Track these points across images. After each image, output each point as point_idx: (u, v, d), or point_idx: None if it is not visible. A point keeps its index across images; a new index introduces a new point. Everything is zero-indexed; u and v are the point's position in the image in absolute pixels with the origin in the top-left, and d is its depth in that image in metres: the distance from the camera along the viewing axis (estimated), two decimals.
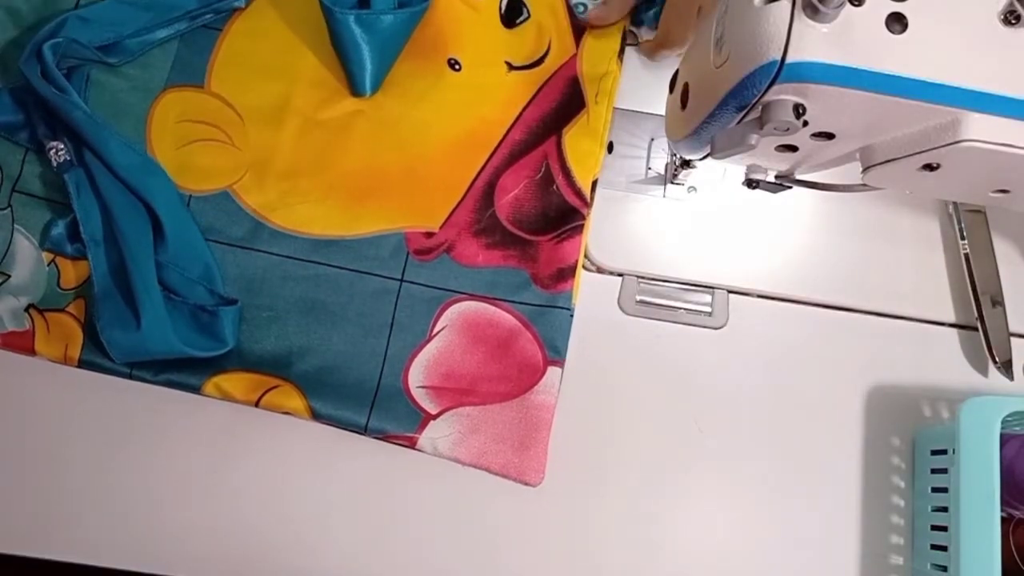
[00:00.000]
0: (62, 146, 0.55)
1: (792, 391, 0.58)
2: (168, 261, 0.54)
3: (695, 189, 0.61)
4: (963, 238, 0.60)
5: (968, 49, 0.37)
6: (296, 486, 0.55)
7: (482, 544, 0.55)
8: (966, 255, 0.60)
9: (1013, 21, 0.37)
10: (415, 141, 0.59)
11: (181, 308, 0.54)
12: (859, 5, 0.36)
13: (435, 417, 0.54)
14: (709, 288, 0.60)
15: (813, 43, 0.36)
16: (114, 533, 0.53)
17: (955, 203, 0.61)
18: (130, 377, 0.54)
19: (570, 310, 0.57)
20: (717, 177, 0.61)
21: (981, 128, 0.37)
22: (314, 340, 0.55)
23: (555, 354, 0.56)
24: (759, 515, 0.56)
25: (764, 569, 0.55)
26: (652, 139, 0.62)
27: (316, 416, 0.54)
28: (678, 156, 0.58)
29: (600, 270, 0.60)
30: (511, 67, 0.61)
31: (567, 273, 0.57)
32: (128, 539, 0.53)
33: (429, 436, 0.54)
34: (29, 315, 0.54)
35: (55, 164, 0.55)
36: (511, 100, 0.61)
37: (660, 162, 0.61)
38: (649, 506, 0.56)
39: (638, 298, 0.59)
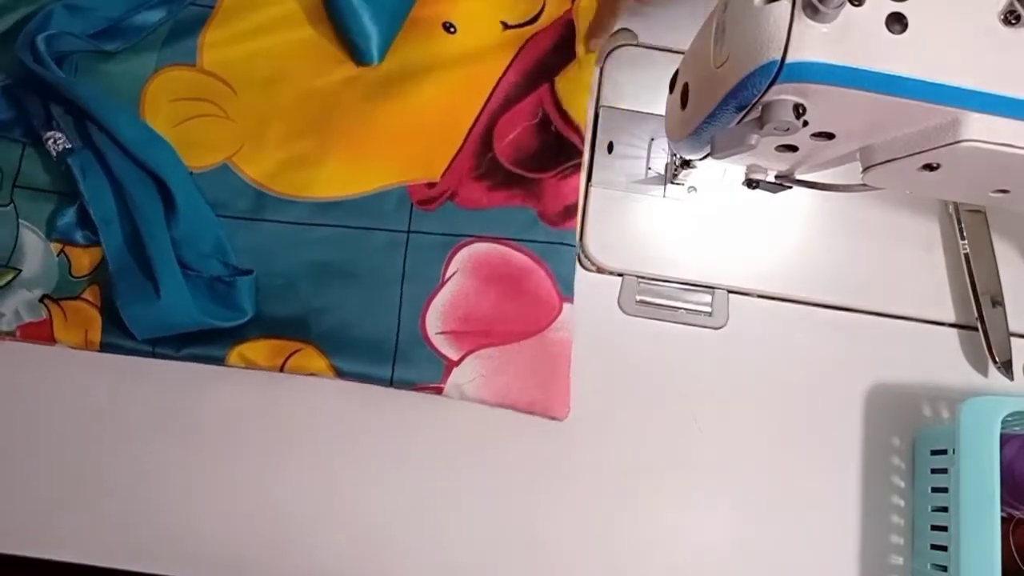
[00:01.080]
0: (59, 135, 0.55)
1: (792, 391, 0.58)
2: (181, 237, 0.54)
3: (695, 189, 0.61)
4: (963, 238, 0.60)
5: (968, 49, 0.37)
6: (296, 485, 0.55)
7: (482, 543, 0.55)
8: (966, 255, 0.60)
9: (1013, 21, 0.37)
10: (410, 99, 0.60)
11: (197, 282, 0.54)
12: (859, 5, 0.36)
13: (457, 363, 0.55)
14: (709, 288, 0.60)
15: (813, 43, 0.36)
16: (114, 533, 0.53)
17: (955, 203, 0.61)
18: (152, 355, 0.54)
19: (575, 247, 0.58)
20: (717, 177, 0.61)
21: (981, 128, 0.38)
22: (330, 300, 0.56)
23: (568, 291, 0.57)
24: (759, 515, 0.56)
25: (764, 569, 0.55)
26: (652, 139, 0.62)
27: (340, 374, 0.54)
28: (678, 156, 0.58)
29: (600, 270, 0.60)
30: (507, 26, 0.61)
31: (571, 211, 0.58)
32: (128, 539, 0.53)
33: (454, 382, 0.54)
34: (45, 305, 0.55)
35: (54, 153, 0.55)
36: (505, 57, 0.61)
37: (660, 162, 0.61)
38: (647, 505, 0.56)
39: (638, 298, 0.59)
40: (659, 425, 0.57)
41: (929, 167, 0.41)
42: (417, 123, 0.59)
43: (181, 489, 0.54)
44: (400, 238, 0.57)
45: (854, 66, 0.36)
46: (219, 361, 0.54)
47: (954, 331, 0.60)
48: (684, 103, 0.46)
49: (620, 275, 0.60)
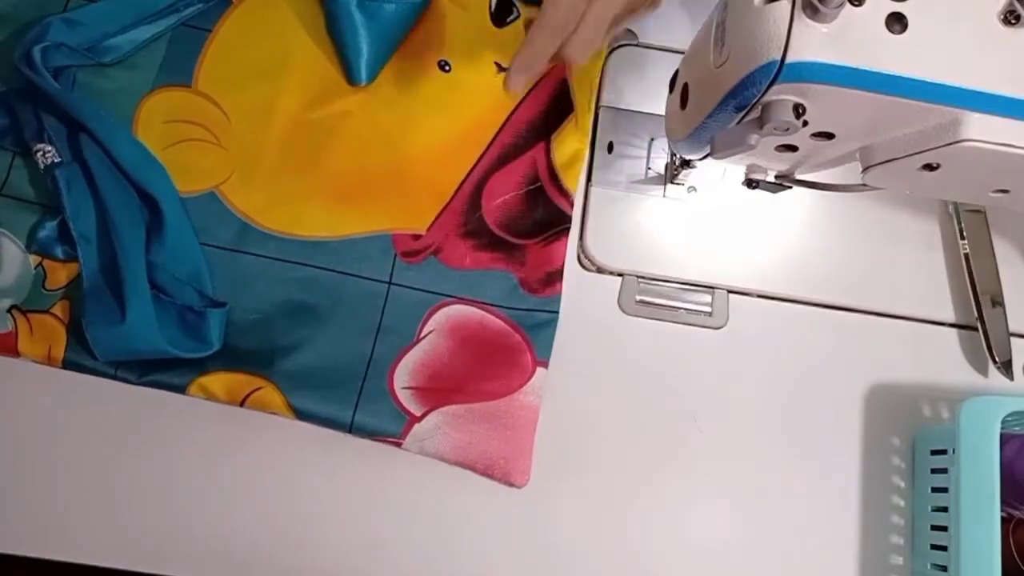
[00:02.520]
0: (50, 148, 0.55)
1: (792, 391, 0.58)
2: (161, 260, 0.54)
3: (695, 189, 0.61)
4: (963, 238, 0.60)
5: (968, 49, 0.37)
6: (295, 485, 0.55)
7: (479, 543, 0.55)
8: (966, 255, 0.60)
9: (1013, 21, 0.37)
10: (403, 142, 0.59)
11: (168, 308, 0.53)
12: (859, 5, 0.36)
13: (420, 419, 0.54)
14: (709, 288, 0.60)
15: (813, 43, 0.36)
16: (114, 533, 0.53)
17: (955, 203, 0.61)
18: (114, 378, 0.54)
19: (556, 313, 0.57)
20: (717, 177, 0.61)
21: (981, 128, 0.38)
22: (300, 341, 0.55)
23: (543, 356, 0.56)
24: (759, 515, 0.56)
25: (764, 569, 0.55)
26: (652, 139, 0.62)
27: (299, 415, 0.54)
28: (678, 156, 0.58)
29: (600, 270, 0.60)
30: (500, 68, 0.61)
31: (555, 277, 0.57)
32: (128, 539, 0.53)
33: (415, 437, 0.54)
34: (12, 316, 0.54)
35: (43, 166, 0.55)
36: (500, 102, 0.60)
37: (660, 162, 0.61)
38: (648, 506, 0.56)
39: (638, 298, 0.59)
40: (659, 425, 0.57)
41: (929, 167, 0.41)
42: (409, 171, 0.59)
43: (182, 489, 0.54)
44: (381, 289, 0.57)
45: (854, 66, 0.36)
46: (180, 390, 0.54)
47: (954, 331, 0.60)
48: (684, 103, 0.46)
49: (620, 275, 0.60)
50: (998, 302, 0.59)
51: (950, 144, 0.38)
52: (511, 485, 0.54)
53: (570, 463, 0.56)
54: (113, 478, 0.54)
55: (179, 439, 0.55)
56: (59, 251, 0.55)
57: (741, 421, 0.57)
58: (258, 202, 0.57)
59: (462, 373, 0.55)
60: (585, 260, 0.60)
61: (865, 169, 0.43)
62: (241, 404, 0.54)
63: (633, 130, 0.61)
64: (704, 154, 0.49)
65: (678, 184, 0.61)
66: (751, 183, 0.50)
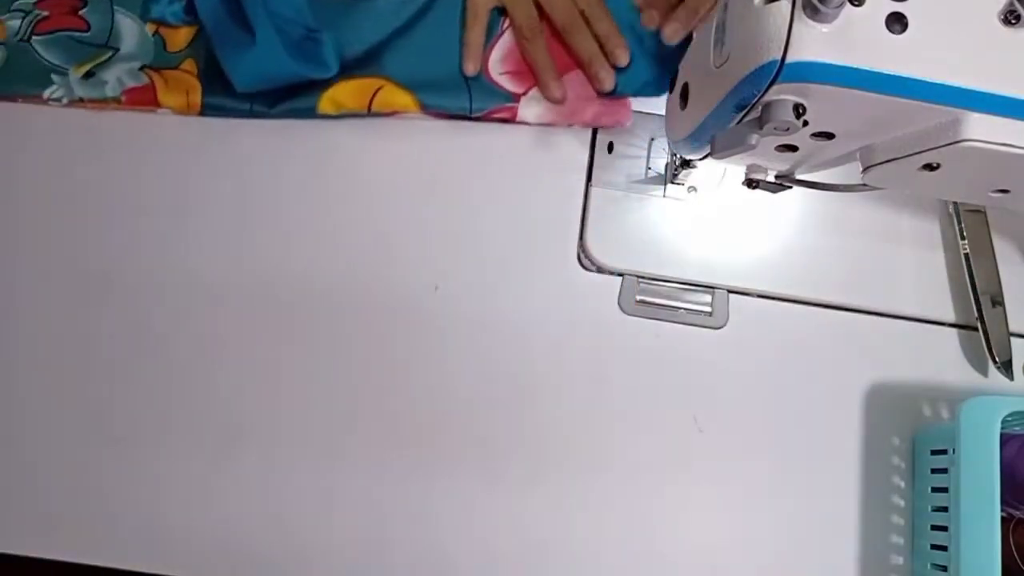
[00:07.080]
0: None
1: (792, 391, 0.58)
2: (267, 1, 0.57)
3: (695, 189, 0.61)
4: (963, 238, 0.60)
5: (968, 49, 0.37)
6: (296, 485, 0.55)
7: (481, 543, 0.55)
8: (966, 255, 0.60)
9: (1013, 21, 0.37)
10: None
11: (287, 37, 0.56)
12: (859, 5, 0.36)
13: (524, 94, 0.60)
14: (709, 288, 0.60)
15: (813, 43, 0.36)
16: (114, 533, 0.53)
17: (955, 203, 0.61)
18: (250, 113, 0.58)
19: None
20: (717, 177, 0.61)
21: (981, 128, 0.38)
22: (402, 41, 0.59)
23: None
24: (759, 515, 0.56)
25: (764, 569, 0.55)
26: (652, 139, 0.62)
27: (424, 108, 0.58)
28: (678, 156, 0.58)
29: (600, 270, 0.60)
30: None
31: None
32: (128, 539, 0.53)
33: (524, 109, 0.59)
34: (145, 73, 0.58)
35: None
36: None
37: (660, 162, 0.61)
38: (648, 506, 0.56)
39: (638, 298, 0.59)
40: (658, 425, 0.57)
41: (929, 167, 0.41)
42: None
43: (182, 489, 0.54)
44: None
45: (854, 66, 0.36)
46: (311, 112, 0.58)
47: (954, 331, 0.60)
48: (684, 103, 0.46)
49: (620, 275, 0.60)
50: (998, 302, 0.59)
51: (950, 144, 0.38)
52: (618, 124, 0.60)
53: (570, 462, 0.56)
54: (113, 478, 0.54)
55: (179, 440, 0.55)
56: (170, 15, 0.58)
57: (741, 421, 0.57)
58: None
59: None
60: (585, 260, 0.60)
61: (865, 169, 0.43)
62: (368, 109, 0.58)
63: (633, 130, 0.61)
64: (704, 154, 0.49)
65: (678, 184, 0.61)
66: (751, 183, 0.50)
